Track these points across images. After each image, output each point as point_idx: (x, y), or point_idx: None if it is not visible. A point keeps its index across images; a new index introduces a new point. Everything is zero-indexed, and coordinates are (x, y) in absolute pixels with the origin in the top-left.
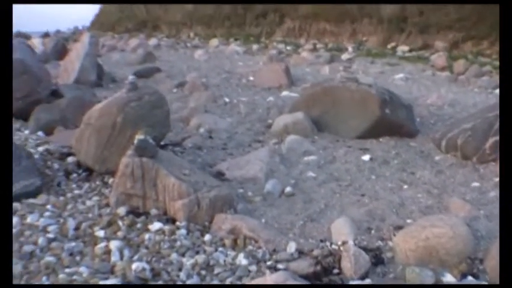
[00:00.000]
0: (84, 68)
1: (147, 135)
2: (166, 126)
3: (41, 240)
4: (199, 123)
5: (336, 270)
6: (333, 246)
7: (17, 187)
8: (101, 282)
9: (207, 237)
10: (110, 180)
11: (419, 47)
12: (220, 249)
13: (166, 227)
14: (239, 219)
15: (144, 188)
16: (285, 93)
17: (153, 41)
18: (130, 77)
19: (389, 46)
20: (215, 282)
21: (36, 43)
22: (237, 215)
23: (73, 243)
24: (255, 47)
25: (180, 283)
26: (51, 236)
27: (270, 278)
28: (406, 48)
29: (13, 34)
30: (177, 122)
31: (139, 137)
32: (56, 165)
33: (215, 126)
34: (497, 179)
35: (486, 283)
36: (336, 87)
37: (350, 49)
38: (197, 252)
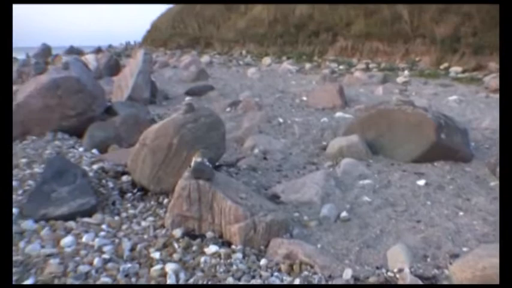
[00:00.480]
0: (137, 85)
1: (204, 158)
2: (221, 147)
3: (96, 261)
4: (253, 144)
5: None
6: (389, 273)
7: (72, 205)
8: None
9: (262, 261)
10: (165, 201)
11: (472, 68)
12: (276, 274)
13: (222, 250)
14: (295, 244)
15: (200, 211)
16: (339, 114)
17: (205, 58)
18: (187, 98)
19: (442, 66)
20: None
21: (90, 59)
22: (293, 240)
23: (129, 265)
24: (307, 65)
25: None
26: (106, 256)
27: None
28: (459, 69)
29: (66, 49)
30: (231, 142)
31: (196, 159)
32: (110, 184)
33: (269, 147)
34: None
35: None
36: (392, 111)
37: (406, 72)
38: (253, 277)
